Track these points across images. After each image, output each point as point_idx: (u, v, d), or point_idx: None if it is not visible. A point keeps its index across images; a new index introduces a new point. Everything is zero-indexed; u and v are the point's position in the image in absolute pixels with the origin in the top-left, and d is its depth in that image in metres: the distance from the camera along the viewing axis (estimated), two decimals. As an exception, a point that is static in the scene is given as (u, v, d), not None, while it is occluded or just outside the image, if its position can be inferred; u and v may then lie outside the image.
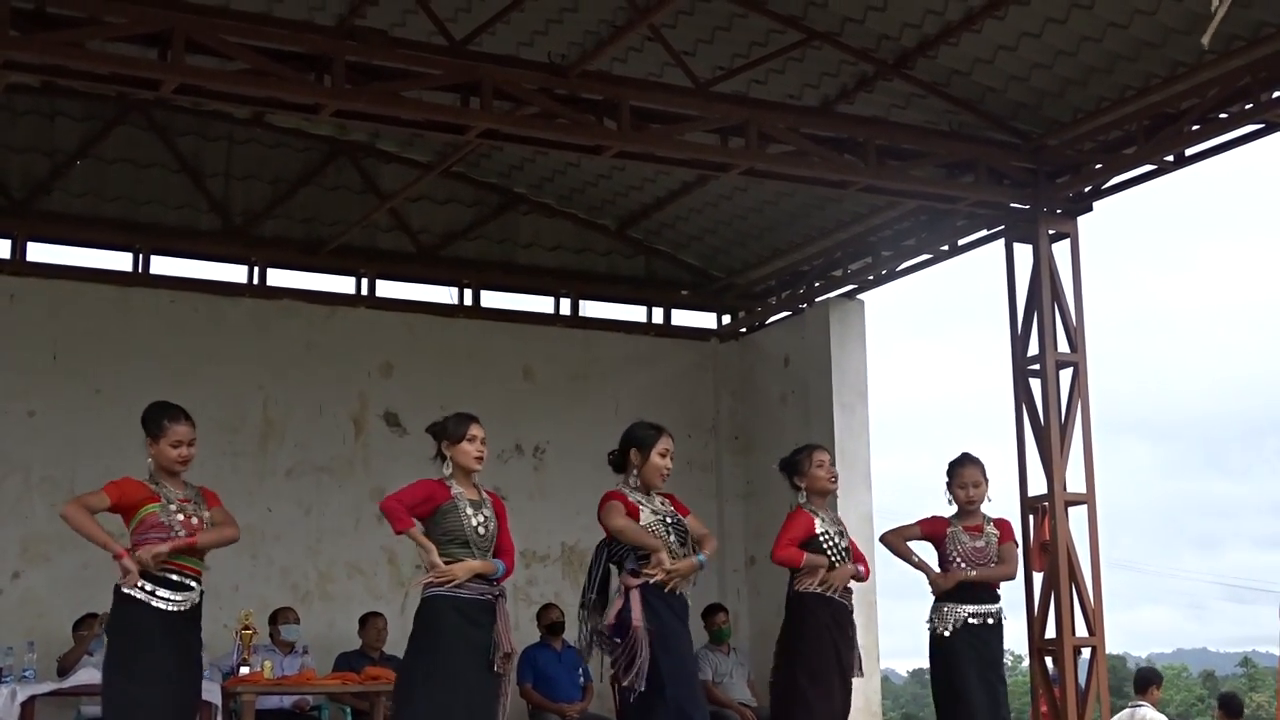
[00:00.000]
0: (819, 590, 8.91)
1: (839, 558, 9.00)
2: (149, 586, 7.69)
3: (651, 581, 8.13)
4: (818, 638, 8.88)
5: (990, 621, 9.50)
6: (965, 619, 9.42)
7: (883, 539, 9.77)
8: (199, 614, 7.93)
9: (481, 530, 8.03)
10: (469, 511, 8.02)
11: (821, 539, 9.01)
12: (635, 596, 8.13)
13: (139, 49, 10.20)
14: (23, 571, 12.97)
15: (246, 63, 10.26)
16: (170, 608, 7.71)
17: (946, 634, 9.41)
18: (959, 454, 9.80)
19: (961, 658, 9.37)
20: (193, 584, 7.83)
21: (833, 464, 9.25)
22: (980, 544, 9.57)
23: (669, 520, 8.33)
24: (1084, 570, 12.02)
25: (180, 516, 7.81)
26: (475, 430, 8.17)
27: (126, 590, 7.69)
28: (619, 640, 8.13)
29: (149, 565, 7.67)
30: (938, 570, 9.61)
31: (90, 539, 7.76)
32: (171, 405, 8.04)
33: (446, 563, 7.93)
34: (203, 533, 7.91)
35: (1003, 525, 9.74)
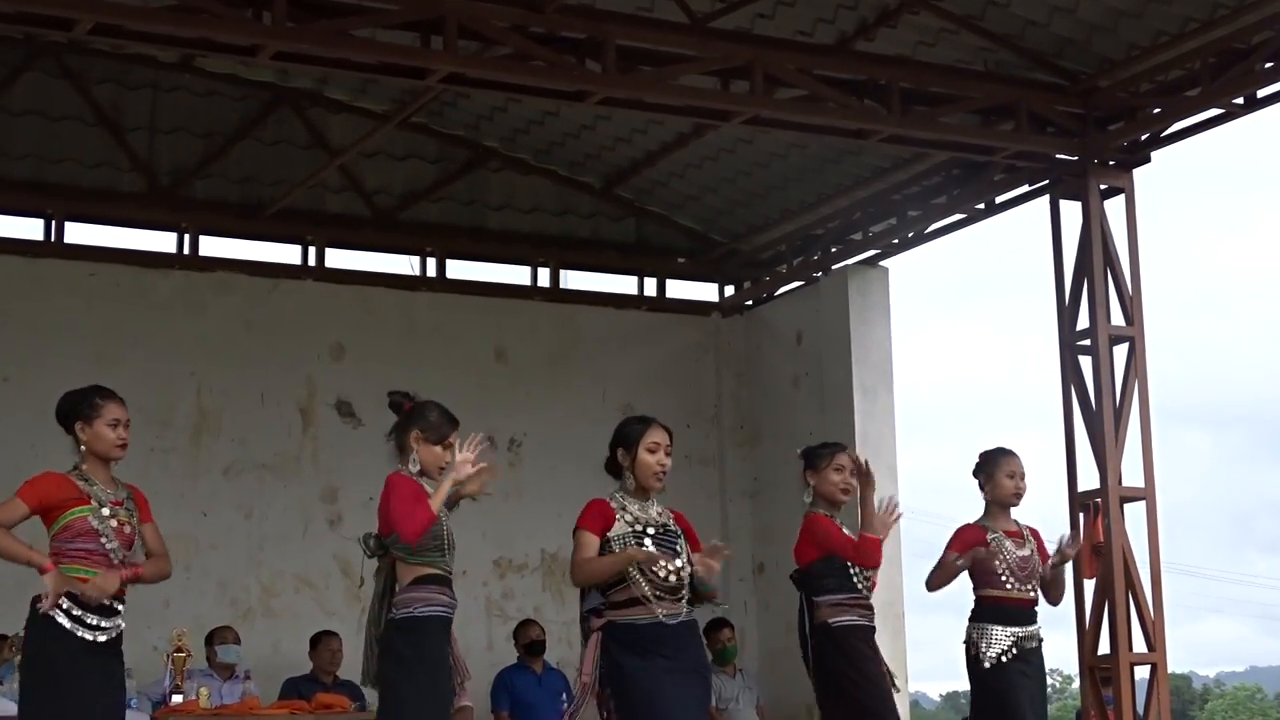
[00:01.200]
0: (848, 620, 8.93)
1: (857, 571, 8.98)
2: (76, 612, 7.62)
3: (621, 622, 7.97)
4: (864, 671, 8.92)
5: (1035, 644, 9.49)
6: (1013, 644, 9.39)
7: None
8: (121, 639, 7.91)
9: (450, 530, 8.07)
10: (445, 513, 8.01)
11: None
12: (594, 643, 8.02)
13: (49, -17, 10.19)
14: (-79, 587, 12.94)
15: (173, -2, 10.25)
16: (98, 637, 7.66)
17: (1000, 662, 9.36)
18: (995, 446, 9.77)
19: (1017, 690, 9.35)
20: (120, 607, 7.78)
21: (854, 475, 9.17)
22: (1026, 553, 9.51)
23: (652, 530, 8.12)
24: (1142, 577, 12.03)
25: (114, 523, 7.75)
26: (454, 438, 8.13)
27: (47, 613, 7.65)
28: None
29: (91, 598, 7.63)
30: (976, 578, 9.57)
31: (12, 559, 7.69)
32: (97, 385, 8.02)
33: (434, 575, 7.93)
34: (146, 566, 7.91)
35: (1038, 535, 9.71)
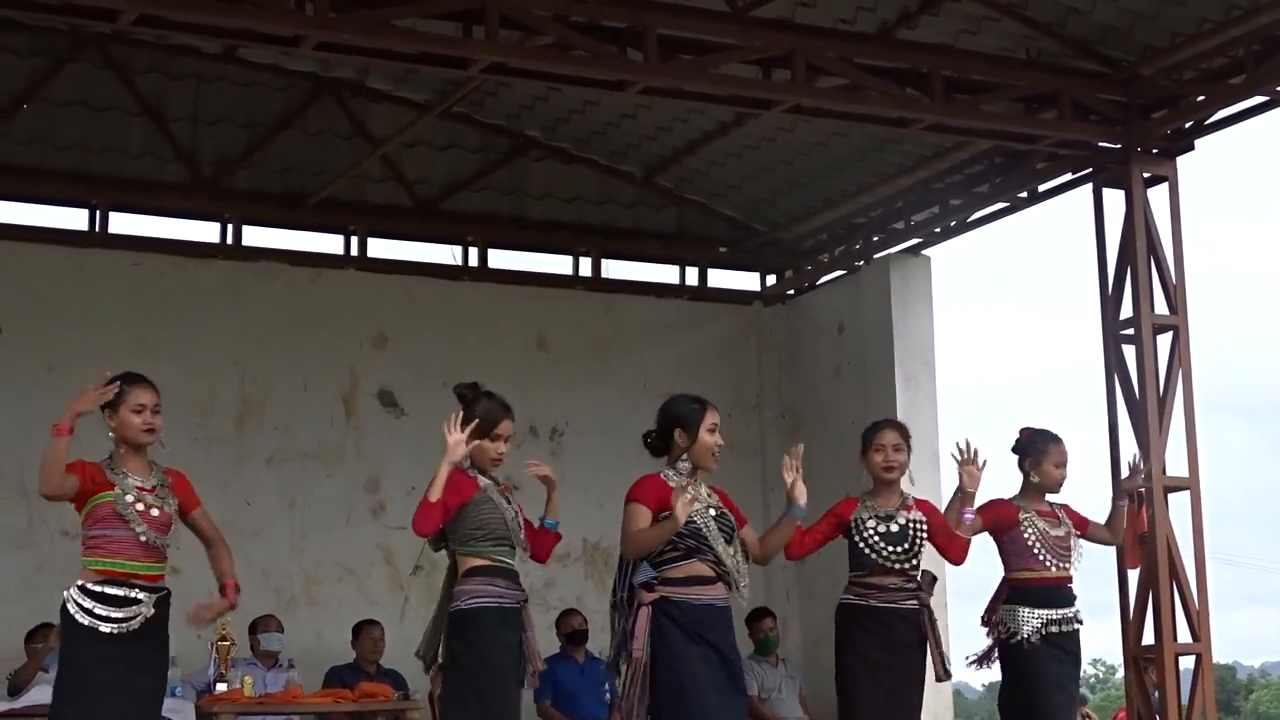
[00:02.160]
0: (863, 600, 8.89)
1: (875, 548, 8.88)
2: (87, 604, 7.62)
3: (675, 599, 7.98)
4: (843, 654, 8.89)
5: (1071, 628, 9.40)
6: (1045, 626, 9.30)
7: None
8: (158, 628, 7.85)
9: (516, 525, 8.05)
10: (504, 503, 8.00)
11: (854, 525, 8.94)
12: (644, 616, 8.00)
13: (93, -26, 10.22)
14: (-35, 575, 13.03)
15: (216, -12, 10.27)
16: (113, 629, 7.63)
17: (1026, 644, 9.28)
18: (1042, 429, 9.68)
19: (1045, 674, 9.26)
20: (141, 595, 7.73)
21: (897, 450, 9.10)
22: (1061, 533, 9.42)
23: (713, 511, 8.21)
24: (1187, 566, 11.99)
25: (139, 507, 7.74)
26: (506, 428, 8.13)
27: (69, 610, 7.63)
28: (624, 665, 8.09)
29: (203, 620, 7.91)
30: (1003, 566, 9.47)
31: (56, 455, 7.68)
32: (126, 372, 8.04)
33: (484, 566, 7.92)
34: (226, 566, 8.08)
35: (1073, 513, 9.63)
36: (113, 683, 7.61)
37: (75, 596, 7.63)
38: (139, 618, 7.71)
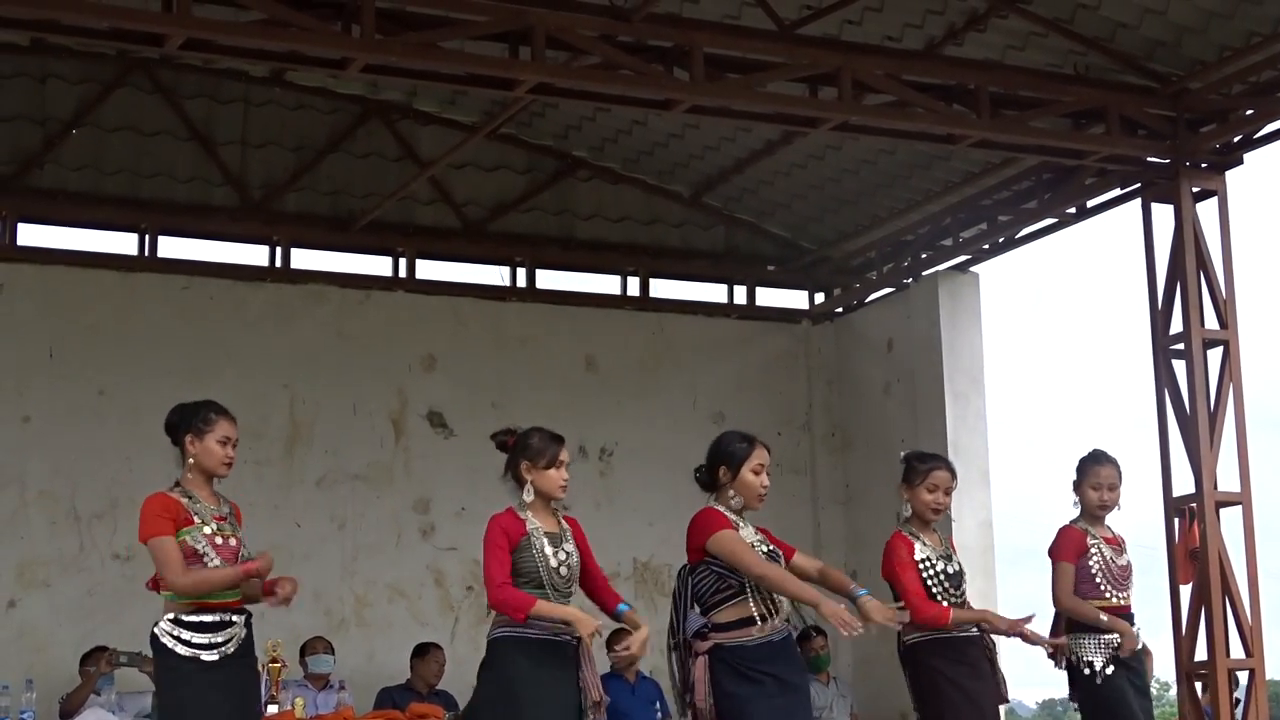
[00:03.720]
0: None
1: (944, 588, 8.85)
2: (185, 635, 7.57)
3: (729, 645, 7.98)
4: (937, 689, 8.81)
5: (1139, 647, 9.37)
6: (1114, 651, 9.24)
7: (1061, 606, 9.29)
8: (249, 648, 7.84)
9: (564, 571, 7.88)
10: (548, 550, 7.85)
11: (923, 565, 8.88)
12: (701, 666, 8.02)
13: (140, -1, 10.27)
14: (19, 599, 13.06)
15: (263, 12, 10.30)
16: (215, 656, 7.59)
17: (1106, 673, 9.22)
18: (1092, 450, 9.62)
19: (1127, 700, 9.22)
20: (234, 618, 7.70)
21: (948, 494, 8.99)
22: (1124, 562, 9.33)
23: (765, 548, 8.19)
24: (1239, 582, 11.93)
25: (218, 540, 7.67)
26: (565, 455, 8.01)
27: (166, 644, 7.58)
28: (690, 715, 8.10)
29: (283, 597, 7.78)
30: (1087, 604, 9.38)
31: (223, 585, 7.65)
32: (210, 400, 7.98)
33: None
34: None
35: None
36: (214, 711, 7.59)
37: (169, 629, 7.57)
38: (235, 640, 7.70)
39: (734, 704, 7.95)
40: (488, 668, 7.85)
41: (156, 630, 7.62)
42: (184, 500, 7.69)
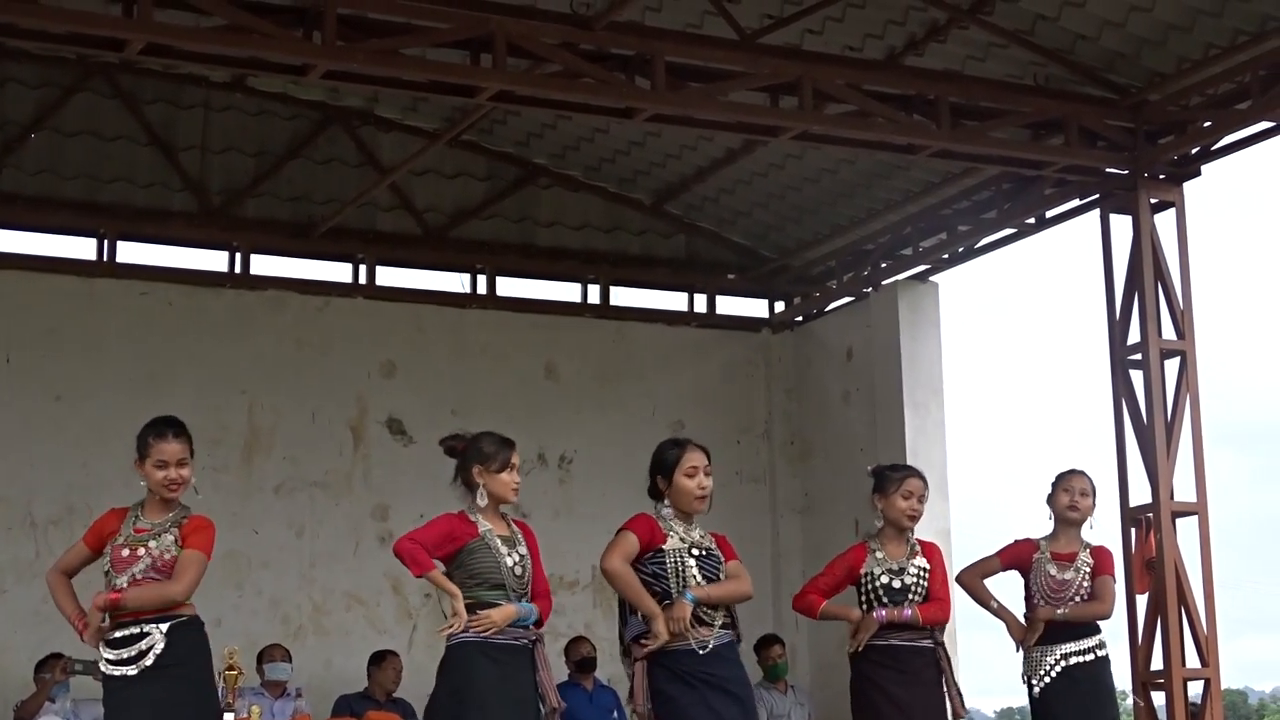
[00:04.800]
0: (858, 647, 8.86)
1: (881, 601, 8.85)
2: (105, 652, 7.52)
3: (657, 648, 7.98)
4: (864, 694, 8.85)
5: (1093, 656, 9.39)
6: (1060, 663, 9.31)
7: (959, 579, 9.56)
8: (180, 656, 7.75)
9: (519, 572, 7.87)
10: (503, 550, 7.86)
11: (865, 579, 8.89)
12: (640, 671, 8.03)
13: (100, 3, 10.24)
14: (-25, 605, 13.02)
15: (223, 17, 10.27)
16: (133, 670, 7.51)
17: (1041, 687, 9.30)
18: (1065, 469, 9.72)
19: (1065, 711, 9.29)
20: (149, 629, 7.57)
21: (922, 501, 9.04)
22: (1067, 576, 9.40)
23: (697, 552, 8.17)
24: (1195, 591, 11.97)
25: (124, 552, 7.55)
26: (516, 458, 8.00)
27: (104, 668, 7.53)
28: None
29: (94, 643, 7.60)
30: (1022, 613, 9.50)
31: (61, 608, 7.67)
32: (162, 419, 7.90)
33: (475, 607, 7.77)
34: (131, 591, 7.55)
35: (1102, 555, 9.57)
36: None
37: (103, 653, 7.54)
38: (153, 651, 7.61)
39: (671, 709, 7.95)
40: (445, 671, 7.83)
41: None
42: (127, 517, 7.69)
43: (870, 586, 8.83)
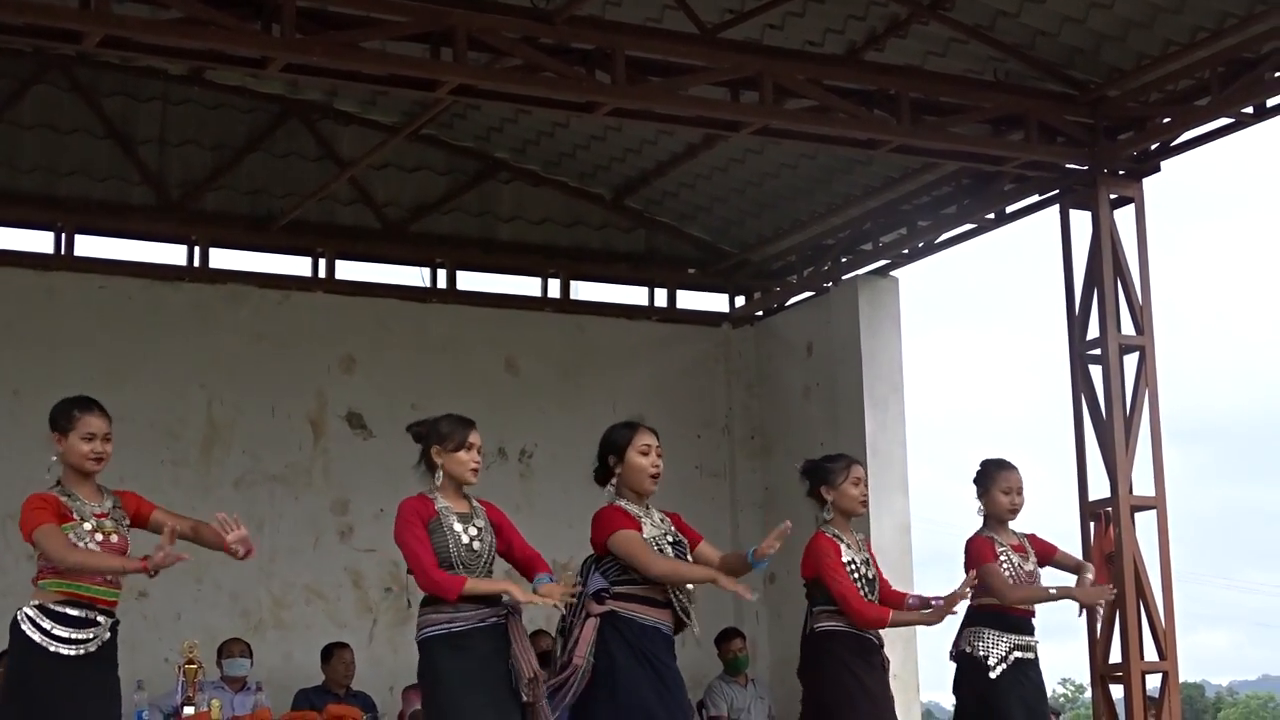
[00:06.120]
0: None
1: (866, 592, 8.88)
2: (45, 624, 7.51)
3: (625, 615, 7.99)
4: (837, 677, 8.83)
5: (1033, 656, 9.43)
6: (1012, 653, 9.33)
7: (1016, 600, 9.35)
8: (112, 652, 7.79)
9: (476, 547, 7.81)
10: (456, 527, 7.79)
11: (849, 569, 8.90)
12: (590, 627, 8.01)
13: (58, -4, 10.19)
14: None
15: (181, 10, 10.24)
16: (73, 651, 7.54)
17: (995, 670, 9.30)
18: (994, 458, 9.69)
19: (1012, 699, 9.28)
20: (100, 618, 7.65)
21: (866, 485, 9.10)
22: (1030, 567, 9.46)
23: (671, 539, 8.20)
24: (1153, 585, 12.01)
25: (99, 536, 7.67)
26: (474, 438, 7.96)
27: (25, 630, 7.52)
28: (562, 672, 8.04)
29: (161, 564, 7.56)
30: (972, 595, 9.46)
31: (110, 570, 7.58)
32: (81, 396, 7.95)
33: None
34: (195, 526, 7.90)
35: (1039, 542, 9.66)
36: (63, 706, 7.51)
37: (33, 615, 7.49)
38: (97, 640, 7.64)
39: (614, 670, 7.93)
40: (424, 673, 7.80)
41: (19, 615, 7.55)
42: (63, 499, 7.66)
43: (855, 576, 8.81)
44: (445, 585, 7.64)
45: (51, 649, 7.50)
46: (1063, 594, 9.46)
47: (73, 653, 7.52)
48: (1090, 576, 9.65)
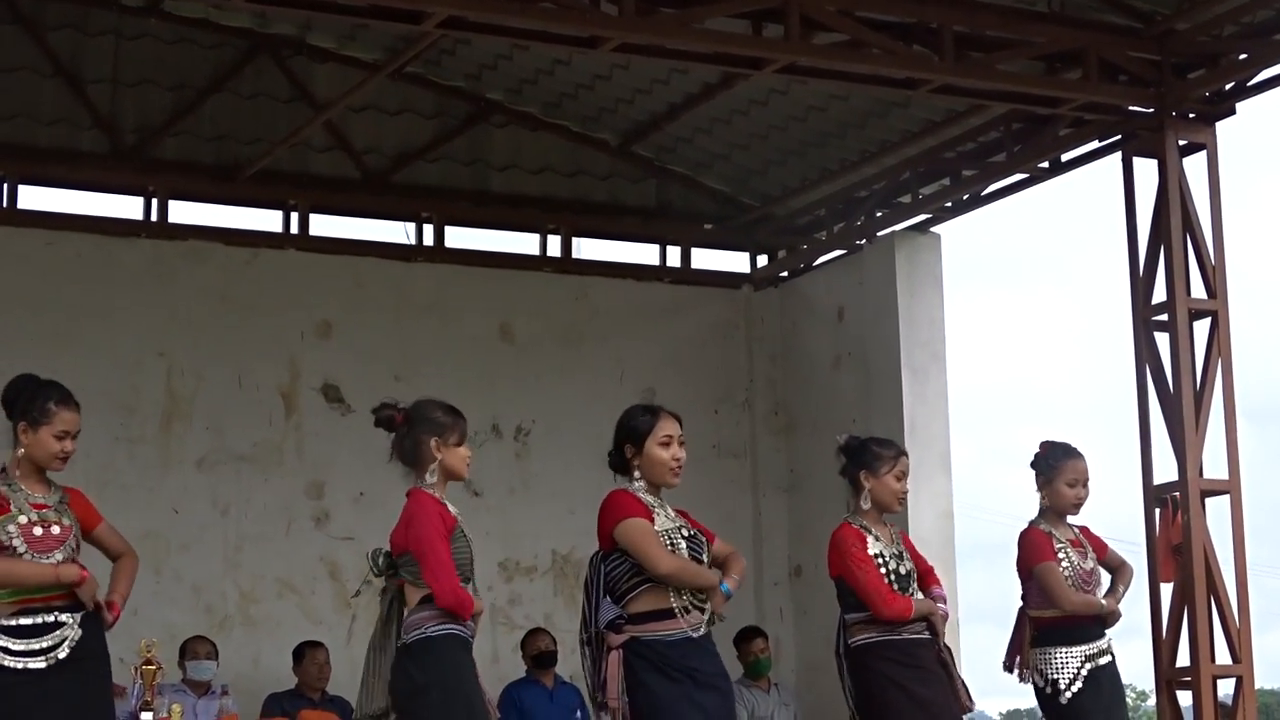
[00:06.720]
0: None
1: (897, 589, 8.89)
2: (5, 643, 7.52)
3: (646, 639, 8.02)
4: (883, 697, 8.84)
5: (1107, 660, 9.46)
6: (1084, 665, 9.34)
7: (1067, 604, 9.38)
8: (93, 648, 7.78)
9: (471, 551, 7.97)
10: (467, 535, 7.93)
11: (877, 561, 8.90)
12: (614, 661, 8.04)
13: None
14: None
15: (138, -67, 10.26)
16: (42, 663, 7.55)
17: (1065, 694, 9.32)
18: (1061, 443, 9.69)
19: (1093, 716, 9.34)
20: (64, 617, 7.65)
21: (909, 479, 9.10)
22: (1090, 565, 9.48)
23: (686, 533, 8.23)
24: (1226, 580, 12.01)
25: (37, 531, 7.64)
26: (467, 429, 8.07)
27: None
28: (600, 713, 8.11)
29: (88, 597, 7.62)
30: (1024, 599, 9.49)
31: (31, 581, 7.61)
32: (54, 383, 7.93)
33: None
34: (119, 582, 7.85)
35: (1093, 537, 9.68)
36: None
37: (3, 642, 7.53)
38: (66, 643, 7.63)
39: (651, 702, 7.97)
40: (427, 664, 7.81)
41: None
42: (3, 488, 7.68)
43: (885, 570, 8.83)
44: (466, 605, 7.77)
45: (20, 665, 7.50)
46: (1111, 614, 9.50)
47: (43, 664, 7.52)
48: (1123, 589, 9.66)
